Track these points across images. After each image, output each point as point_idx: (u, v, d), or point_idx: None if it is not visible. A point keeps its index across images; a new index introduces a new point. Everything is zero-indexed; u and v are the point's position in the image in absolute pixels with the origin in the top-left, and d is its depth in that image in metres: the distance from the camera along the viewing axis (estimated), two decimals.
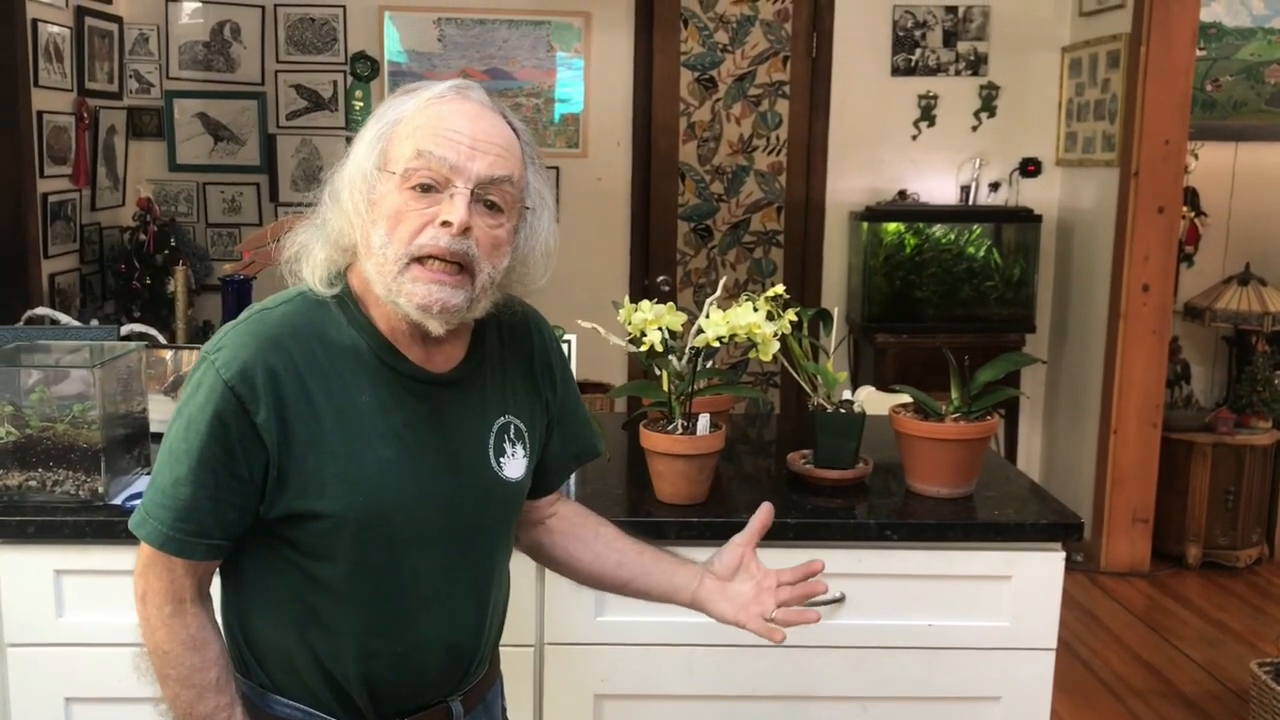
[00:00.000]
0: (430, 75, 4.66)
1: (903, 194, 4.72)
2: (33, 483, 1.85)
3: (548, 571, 1.76)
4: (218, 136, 4.77)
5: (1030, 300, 4.62)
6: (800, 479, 2.08)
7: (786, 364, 2.09)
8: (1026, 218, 4.59)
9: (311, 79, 4.74)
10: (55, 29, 4.10)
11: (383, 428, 1.28)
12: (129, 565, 1.30)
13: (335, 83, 4.74)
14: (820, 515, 1.94)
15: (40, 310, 2.56)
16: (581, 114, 4.79)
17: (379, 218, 1.25)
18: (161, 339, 2.44)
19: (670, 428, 1.94)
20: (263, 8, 4.69)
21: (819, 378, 2.06)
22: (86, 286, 4.42)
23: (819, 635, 1.88)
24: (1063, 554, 1.94)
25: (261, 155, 4.79)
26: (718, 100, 4.80)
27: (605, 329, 2.04)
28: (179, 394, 1.30)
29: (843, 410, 2.05)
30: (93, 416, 1.84)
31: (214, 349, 1.26)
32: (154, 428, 2.03)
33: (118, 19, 4.59)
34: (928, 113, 4.75)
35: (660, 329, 1.89)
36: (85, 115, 4.29)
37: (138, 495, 1.87)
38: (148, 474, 1.96)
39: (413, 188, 1.24)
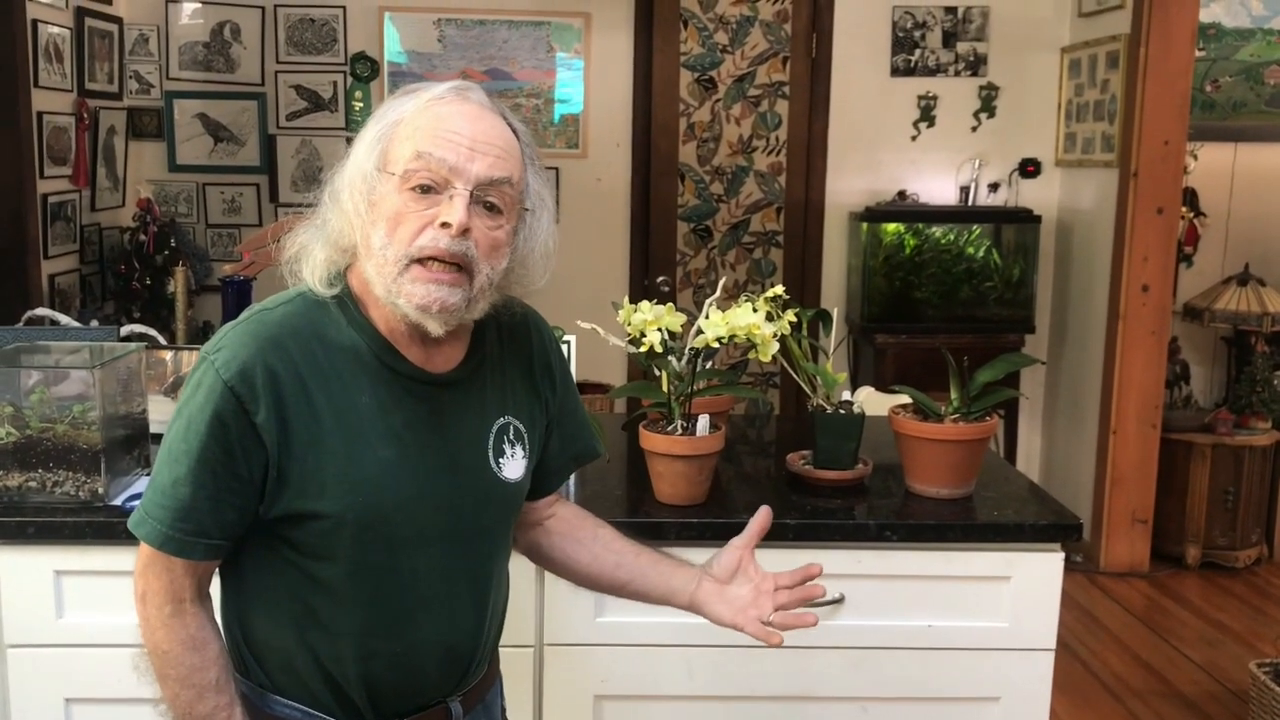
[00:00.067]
0: (430, 76, 4.66)
1: (902, 194, 4.72)
2: (33, 483, 1.85)
3: (547, 572, 1.76)
4: (218, 137, 4.77)
5: (1029, 301, 4.62)
6: (800, 480, 2.08)
7: (786, 365, 2.09)
8: (1026, 218, 4.59)
9: (311, 79, 4.75)
10: (55, 29, 4.11)
11: (382, 428, 1.29)
12: (129, 566, 1.30)
13: (335, 83, 4.75)
14: (820, 516, 1.94)
15: (40, 311, 2.56)
16: (581, 115, 4.79)
17: (379, 219, 1.26)
18: (161, 340, 2.45)
19: (670, 428, 1.94)
20: (263, 8, 4.69)
21: (818, 378, 2.06)
22: (86, 287, 4.42)
23: (818, 636, 1.88)
24: (1062, 554, 1.94)
25: (261, 156, 4.79)
26: (717, 101, 4.81)
27: (605, 330, 2.04)
28: (179, 394, 1.30)
29: (842, 411, 2.05)
30: (93, 417, 1.84)
31: (214, 349, 1.27)
32: (154, 428, 2.03)
33: (118, 19, 4.59)
34: (927, 113, 4.75)
35: (660, 330, 1.90)
36: (85, 116, 4.29)
37: (137, 496, 1.87)
38: (148, 475, 1.96)
39: (412, 189, 1.24)
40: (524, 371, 1.44)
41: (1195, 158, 4.64)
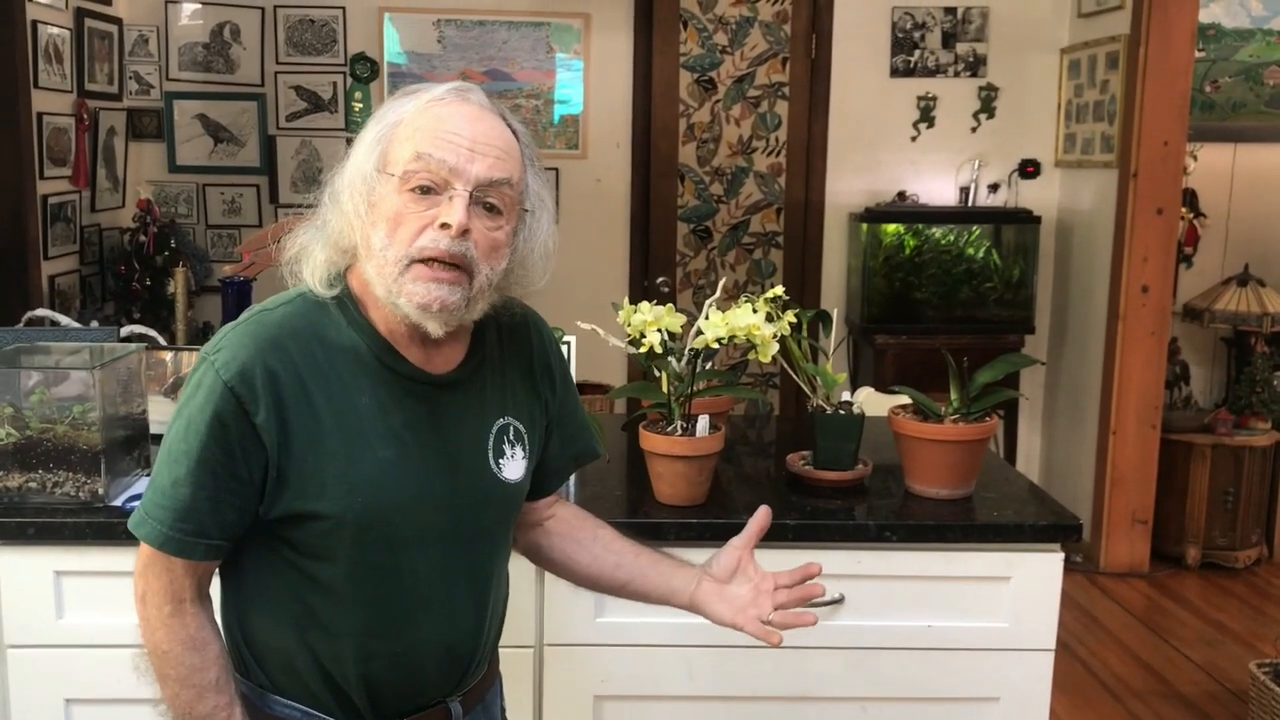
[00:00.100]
0: (430, 77, 4.67)
1: (902, 195, 4.72)
2: (33, 484, 1.85)
3: (547, 573, 1.76)
4: (217, 138, 4.77)
5: (1029, 301, 4.62)
6: (799, 480, 2.08)
7: (786, 365, 2.09)
8: (1025, 219, 4.60)
9: (311, 80, 4.75)
10: (55, 30, 4.11)
11: (382, 429, 1.29)
12: (129, 566, 1.31)
13: (335, 84, 4.75)
14: (819, 516, 1.94)
15: (40, 312, 2.56)
16: (581, 115, 4.79)
17: (379, 219, 1.26)
18: (161, 340, 2.45)
19: (669, 429, 1.94)
20: (262, 9, 4.69)
21: (818, 379, 2.06)
22: (86, 288, 4.42)
23: (818, 636, 1.88)
24: (1062, 555, 1.94)
25: (261, 157, 4.79)
26: (717, 101, 4.81)
27: (605, 330, 2.04)
28: (179, 395, 1.30)
29: (842, 411, 2.05)
30: (93, 418, 1.84)
31: (213, 350, 1.27)
32: (154, 429, 2.03)
33: (117, 20, 4.59)
34: (927, 114, 4.75)
35: (659, 330, 1.90)
36: (85, 116, 4.29)
37: (137, 496, 1.87)
38: (147, 475, 1.97)
39: (412, 190, 1.24)
40: (524, 372, 1.45)
41: (1195, 158, 4.64)
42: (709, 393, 2.07)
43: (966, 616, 1.95)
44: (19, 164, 3.91)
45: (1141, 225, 4.25)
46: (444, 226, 1.23)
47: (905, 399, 2.09)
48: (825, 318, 2.18)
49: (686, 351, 1.91)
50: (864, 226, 4.57)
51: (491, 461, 1.37)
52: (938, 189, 4.76)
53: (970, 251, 4.56)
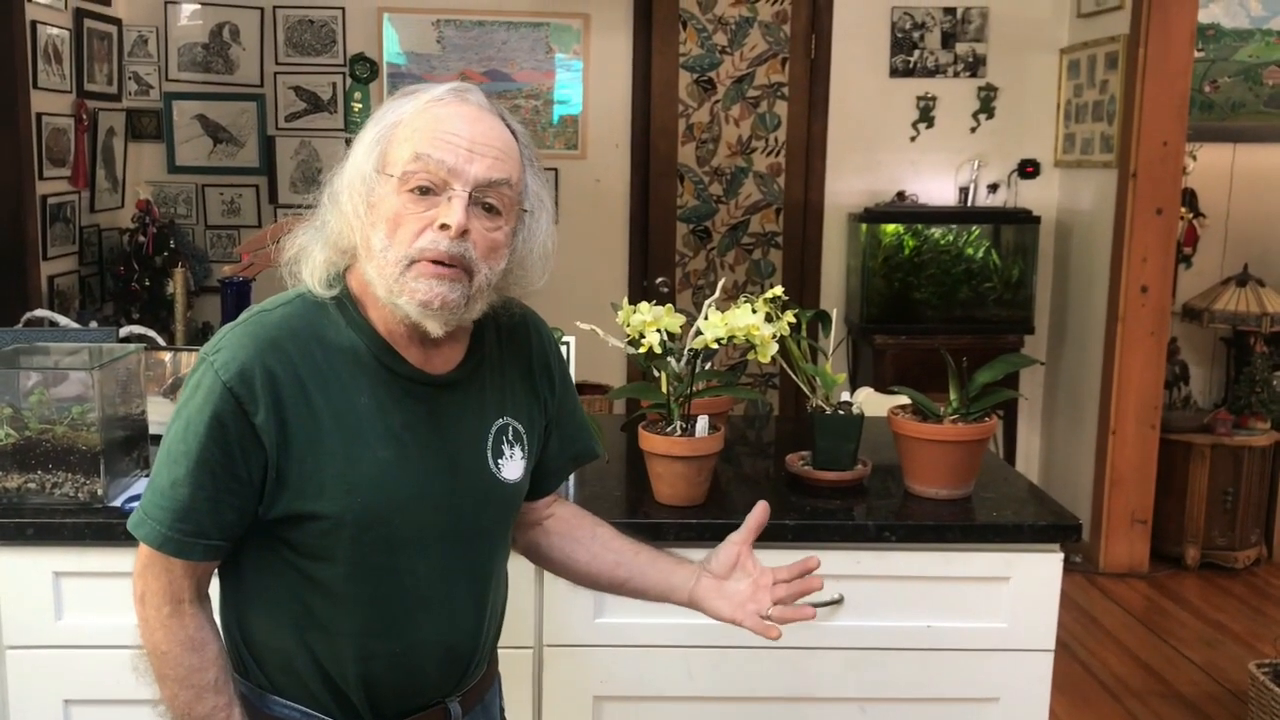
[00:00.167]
0: (429, 77, 4.67)
1: (901, 195, 4.72)
2: (32, 485, 1.85)
3: (546, 573, 1.76)
4: (217, 138, 4.77)
5: (1029, 302, 4.62)
6: (799, 480, 2.08)
7: (785, 365, 2.09)
8: (1025, 219, 4.60)
9: (310, 81, 4.75)
10: (54, 31, 4.11)
11: (381, 429, 1.29)
12: (128, 567, 1.31)
13: (334, 84, 4.75)
14: (819, 517, 1.94)
15: (39, 312, 2.56)
16: (580, 116, 4.79)
17: (378, 220, 1.26)
18: (160, 341, 2.44)
19: (669, 429, 1.94)
20: (262, 9, 4.69)
21: (817, 379, 2.06)
22: (85, 288, 4.42)
23: (818, 636, 1.89)
24: (1061, 555, 1.94)
25: (261, 157, 4.79)
26: (716, 102, 4.81)
27: (604, 331, 2.04)
28: (178, 396, 1.30)
29: (841, 412, 2.05)
30: (92, 418, 1.84)
31: (213, 350, 1.27)
32: (153, 429, 2.03)
33: (117, 21, 4.59)
34: (926, 114, 4.75)
35: (659, 330, 1.90)
36: (84, 117, 4.29)
37: (137, 497, 1.87)
38: (147, 476, 1.96)
39: (411, 190, 1.24)
40: (523, 372, 1.45)
41: (1194, 158, 4.64)
42: (708, 393, 2.07)
43: (966, 617, 1.95)
44: (18, 164, 3.90)
45: (1141, 225, 4.25)
46: (443, 227, 1.23)
47: (904, 399, 2.09)
48: (824, 318, 2.18)
49: (686, 352, 1.91)
50: (863, 227, 4.57)
51: (490, 461, 1.37)
52: (937, 189, 4.76)
53: (970, 252, 4.56)
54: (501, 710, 1.55)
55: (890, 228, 4.55)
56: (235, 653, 1.35)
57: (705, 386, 2.04)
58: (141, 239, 4.43)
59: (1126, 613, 4.09)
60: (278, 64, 4.73)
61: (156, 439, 1.45)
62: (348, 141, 1.32)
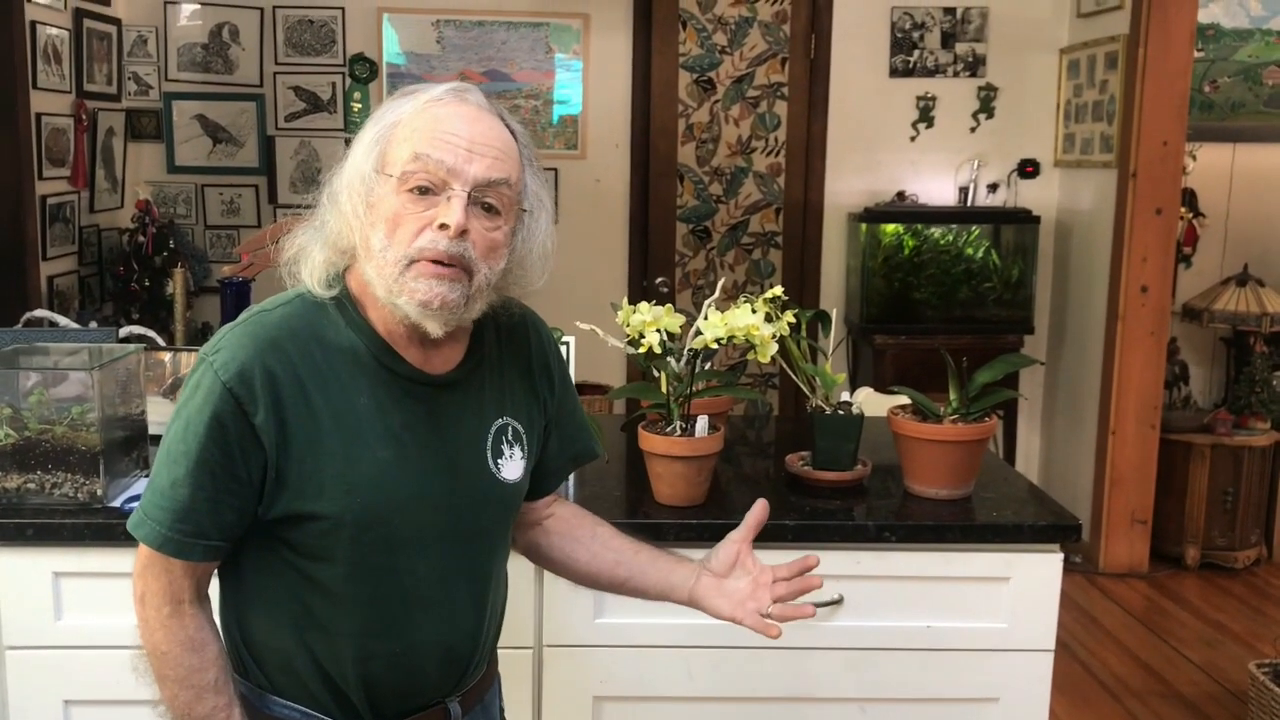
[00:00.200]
0: (429, 77, 4.66)
1: (901, 195, 4.72)
2: (31, 485, 1.85)
3: (546, 573, 1.76)
4: (216, 138, 4.77)
5: (1028, 301, 4.62)
6: (799, 480, 2.08)
7: (785, 365, 2.09)
8: (1025, 219, 4.60)
9: (310, 81, 4.75)
10: (54, 31, 4.11)
11: (381, 429, 1.29)
12: (128, 567, 1.30)
13: (334, 84, 4.75)
14: (819, 517, 1.94)
15: (39, 312, 2.56)
16: (580, 116, 4.79)
17: (377, 220, 1.26)
18: (160, 341, 2.44)
19: (669, 429, 1.94)
20: (261, 10, 4.69)
21: (817, 379, 2.06)
22: (85, 288, 4.42)
23: (817, 636, 1.89)
24: (1061, 555, 1.94)
25: (260, 157, 4.79)
26: (716, 102, 4.81)
27: (604, 331, 2.04)
28: (177, 396, 1.30)
29: (841, 412, 2.05)
30: (91, 419, 1.84)
31: (212, 351, 1.27)
32: (152, 430, 2.03)
33: (116, 21, 4.59)
34: (926, 114, 4.75)
35: (659, 331, 1.90)
36: (84, 117, 4.29)
37: (136, 497, 1.87)
38: (146, 476, 1.96)
39: (410, 190, 1.24)
40: (522, 372, 1.44)
41: (1194, 158, 4.64)
42: (708, 393, 2.07)
43: (966, 617, 1.95)
44: (17, 165, 3.90)
45: (1140, 225, 4.25)
46: (442, 227, 1.23)
47: (904, 399, 2.09)
48: (824, 318, 2.18)
49: (685, 352, 1.91)
50: (863, 226, 4.57)
51: (490, 461, 1.37)
52: (937, 189, 4.76)
53: (969, 251, 4.56)
54: (501, 710, 1.55)
55: (890, 228, 4.55)
56: (235, 653, 1.35)
57: (705, 386, 2.04)
58: (141, 239, 4.43)
59: (1126, 613, 4.09)
60: (277, 64, 4.73)
61: (156, 439, 1.45)
62: (347, 141, 1.32)
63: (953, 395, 2.02)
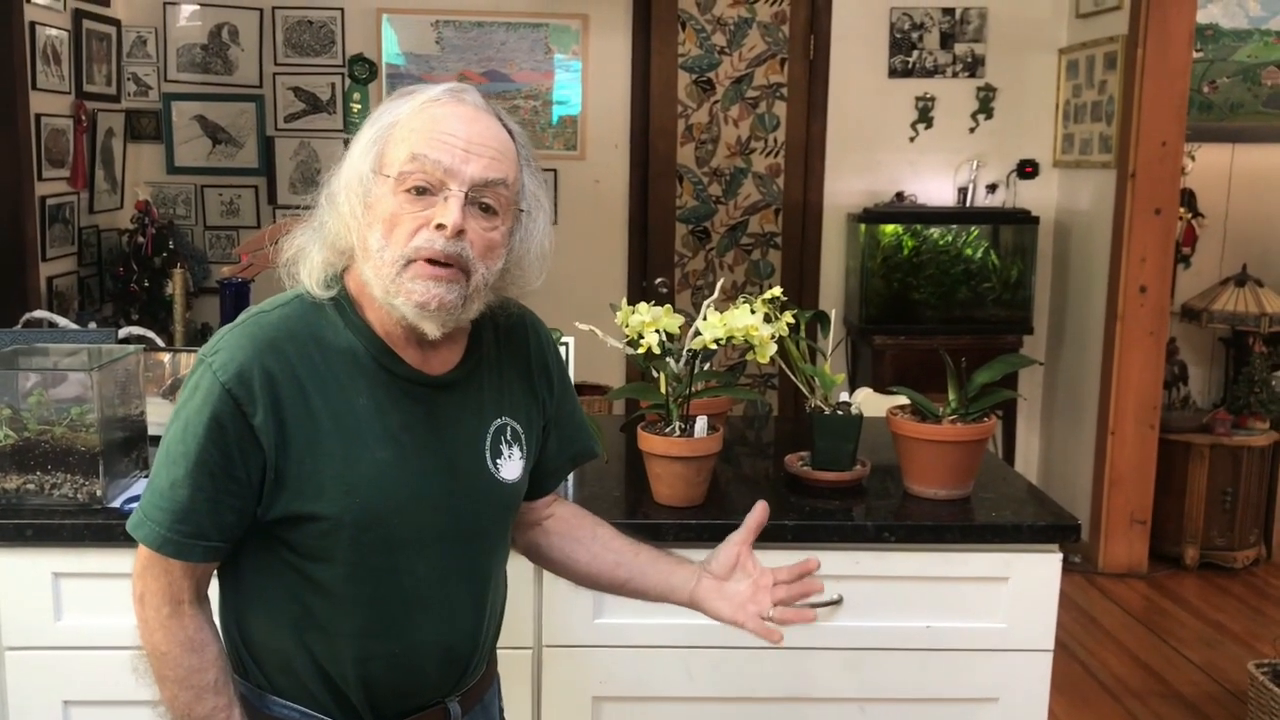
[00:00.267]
0: (428, 78, 4.66)
1: (900, 196, 4.72)
2: (30, 486, 1.85)
3: (546, 574, 1.76)
4: (216, 139, 4.77)
5: (1027, 302, 4.62)
6: (798, 481, 2.08)
7: (784, 366, 2.09)
8: (1024, 219, 4.60)
9: (310, 81, 4.75)
10: (53, 31, 4.11)
11: (379, 430, 1.29)
12: (127, 568, 1.31)
13: (333, 85, 4.75)
14: (818, 517, 1.94)
15: (38, 313, 2.56)
16: (579, 116, 4.79)
17: (375, 220, 1.26)
18: (159, 342, 2.45)
19: (668, 430, 1.94)
20: (261, 10, 4.69)
21: (816, 380, 2.06)
22: (84, 289, 4.42)
23: (817, 637, 1.89)
24: (1060, 555, 1.94)
25: (260, 158, 4.79)
26: (715, 102, 4.81)
27: (603, 331, 2.04)
28: (177, 397, 1.30)
29: (840, 412, 2.05)
30: (91, 419, 1.84)
31: (211, 352, 1.27)
32: (152, 430, 2.03)
33: (116, 22, 4.59)
34: (925, 114, 4.75)
35: (658, 331, 1.90)
36: (83, 118, 4.29)
37: (136, 498, 1.87)
38: (146, 477, 1.96)
39: (407, 190, 1.25)
40: (521, 372, 1.45)
41: (1193, 158, 4.64)
42: (707, 393, 2.07)
43: (965, 617, 1.95)
44: (17, 165, 3.90)
45: (1139, 225, 4.25)
46: (439, 227, 1.23)
47: (903, 399, 2.09)
48: (823, 318, 2.18)
49: (685, 352, 1.91)
50: (862, 227, 4.57)
51: (489, 462, 1.37)
52: (936, 189, 4.76)
53: (968, 252, 4.56)
54: (501, 710, 1.55)
55: (889, 228, 4.55)
56: (235, 653, 1.35)
57: (704, 387, 2.04)
58: (140, 240, 4.43)
59: (1126, 613, 4.09)
60: (277, 65, 4.73)
61: (155, 440, 1.45)
62: (346, 142, 1.32)
63: (952, 395, 2.02)
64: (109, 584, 1.82)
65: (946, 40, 4.72)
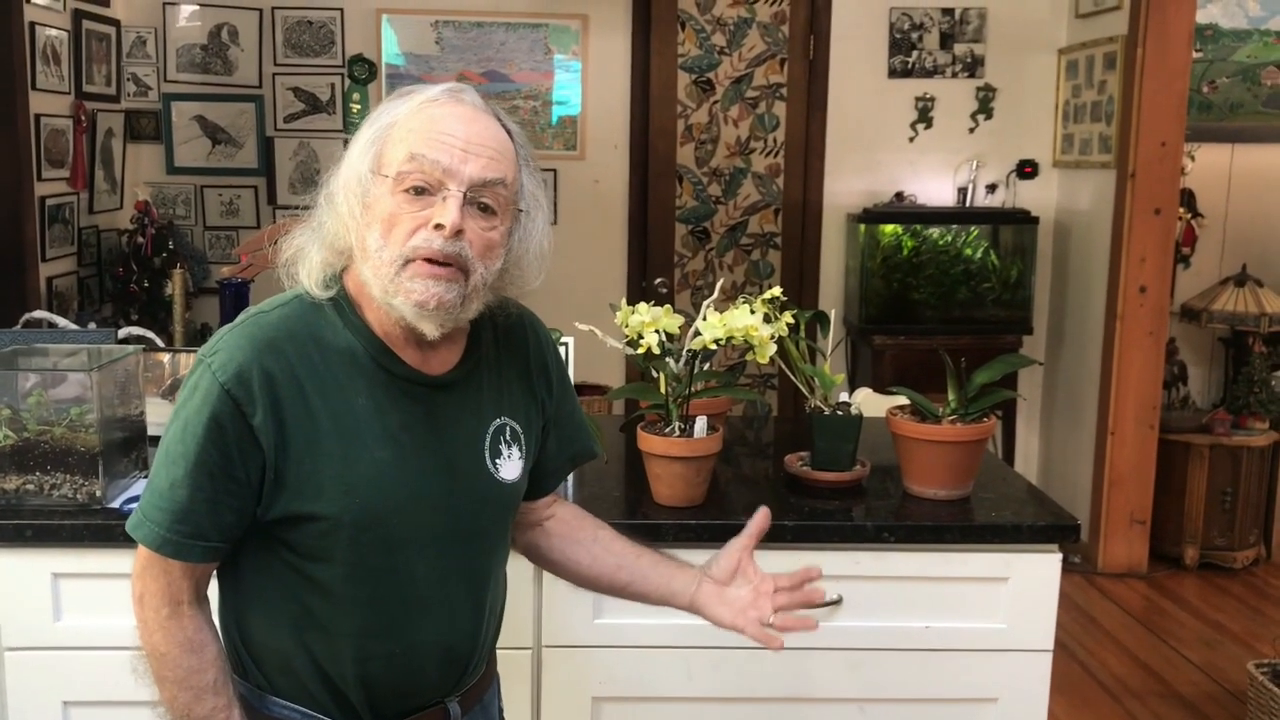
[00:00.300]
0: (428, 78, 4.66)
1: (900, 196, 4.72)
2: (30, 486, 1.85)
3: (545, 574, 1.76)
4: (215, 139, 4.77)
5: (1027, 302, 4.62)
6: (798, 481, 2.08)
7: (784, 366, 2.09)
8: (1023, 219, 4.60)
9: (309, 82, 4.75)
10: (53, 32, 4.11)
11: (379, 430, 1.29)
12: (127, 569, 1.31)
13: (333, 85, 4.75)
14: (818, 517, 1.94)
15: (38, 313, 2.56)
16: (579, 116, 4.79)
17: (373, 220, 1.26)
18: (159, 342, 2.45)
19: (667, 430, 1.94)
20: (260, 10, 4.69)
21: (816, 380, 2.06)
22: (84, 289, 4.42)
23: (816, 637, 1.87)
24: (1060, 555, 1.94)
25: (259, 158, 4.79)
26: (715, 102, 4.81)
27: (603, 331, 2.04)
28: (176, 397, 1.30)
29: (840, 412, 2.05)
30: (90, 420, 1.84)
31: (210, 352, 1.27)
32: (151, 431, 2.03)
33: (115, 22, 4.59)
34: (925, 114, 4.75)
35: (657, 331, 1.90)
36: (83, 118, 4.29)
37: (135, 498, 1.86)
38: (145, 477, 1.96)
39: (406, 190, 1.25)
40: (520, 372, 1.45)
41: (1192, 158, 4.64)
42: (707, 394, 2.07)
43: (964, 617, 1.95)
44: (17, 166, 3.90)
45: (1139, 225, 4.25)
46: (438, 227, 1.23)
47: (903, 399, 2.09)
48: (823, 318, 2.18)
49: (684, 352, 1.91)
50: (862, 227, 4.57)
51: (488, 462, 1.37)
52: (935, 189, 4.76)
53: (968, 252, 4.56)
54: (500, 711, 1.55)
55: (889, 228, 4.55)
56: (234, 654, 1.35)
57: (704, 387, 2.04)
58: (140, 240, 4.43)
59: (1125, 613, 4.09)
60: (276, 65, 4.73)
61: (155, 440, 1.45)
62: (346, 143, 1.32)
63: (951, 396, 2.02)
64: (108, 584, 1.82)
65: (946, 40, 4.72)
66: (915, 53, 4.73)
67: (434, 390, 1.34)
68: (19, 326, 2.41)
